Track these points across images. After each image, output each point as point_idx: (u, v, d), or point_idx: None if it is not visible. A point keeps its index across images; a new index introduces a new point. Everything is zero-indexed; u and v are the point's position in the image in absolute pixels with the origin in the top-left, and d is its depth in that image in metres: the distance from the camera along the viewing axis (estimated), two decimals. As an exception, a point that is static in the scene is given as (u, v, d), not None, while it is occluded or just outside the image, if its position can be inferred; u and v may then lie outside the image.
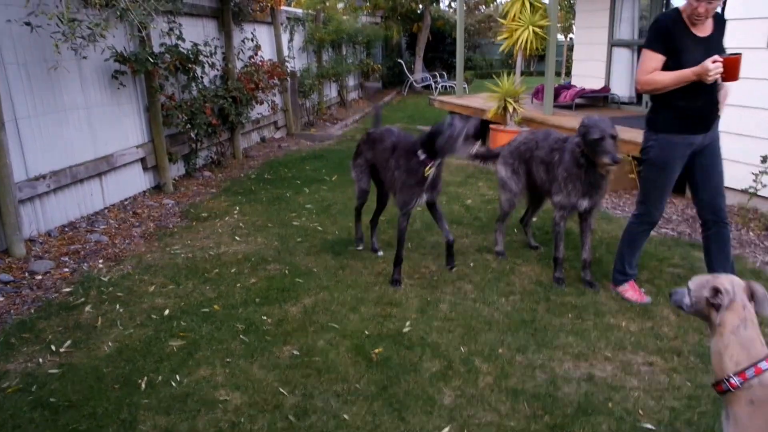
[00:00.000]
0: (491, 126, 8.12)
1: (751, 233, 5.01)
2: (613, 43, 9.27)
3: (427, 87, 17.41)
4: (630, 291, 3.86)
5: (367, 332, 3.45)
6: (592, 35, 9.56)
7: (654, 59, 3.40)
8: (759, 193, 5.20)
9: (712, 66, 3.13)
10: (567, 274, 4.19)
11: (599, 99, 9.24)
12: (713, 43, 3.38)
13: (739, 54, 3.16)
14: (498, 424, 2.63)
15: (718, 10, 3.45)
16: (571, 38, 21.64)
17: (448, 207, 5.89)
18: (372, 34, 15.68)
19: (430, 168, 3.92)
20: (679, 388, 2.87)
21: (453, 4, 21.29)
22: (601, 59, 9.41)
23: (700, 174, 3.64)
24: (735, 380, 1.78)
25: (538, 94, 9.44)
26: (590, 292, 3.93)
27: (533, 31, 7.90)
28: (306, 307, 3.76)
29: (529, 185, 4.46)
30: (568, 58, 19.45)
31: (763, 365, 1.76)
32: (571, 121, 7.72)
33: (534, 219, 4.99)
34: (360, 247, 4.74)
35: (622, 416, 2.67)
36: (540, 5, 8.25)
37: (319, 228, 5.31)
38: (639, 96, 9.01)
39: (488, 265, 4.42)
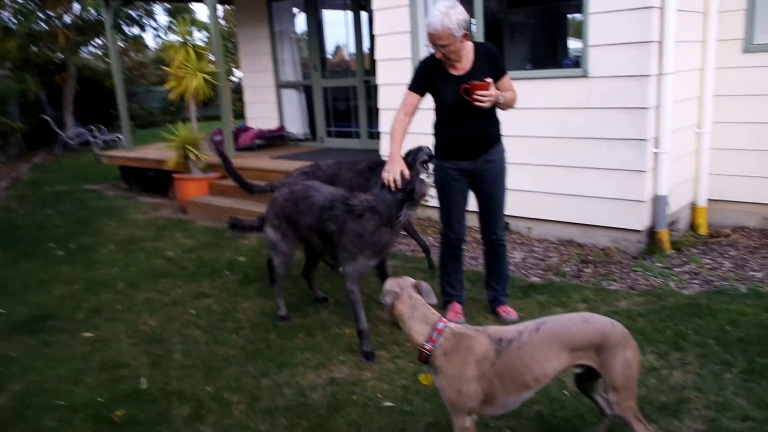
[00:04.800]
0: (175, 176, 8.36)
1: (430, 237, 6.12)
2: (280, 85, 10.27)
3: (86, 143, 16.63)
4: (450, 312, 4.20)
5: (101, 399, 3.50)
6: (259, 79, 10.45)
7: (411, 97, 3.92)
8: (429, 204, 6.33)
9: (385, 176, 3.69)
10: (289, 300, 4.70)
11: (277, 138, 10.13)
12: (471, 78, 3.76)
13: (485, 82, 3.70)
14: (262, 441, 3.01)
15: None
16: (231, 81, 22.73)
17: (149, 262, 5.99)
18: (5, 89, 14.49)
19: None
20: (403, 369, 3.61)
21: (99, 52, 20.68)
22: (272, 101, 10.34)
23: (479, 197, 4.11)
24: (428, 345, 2.48)
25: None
26: (313, 312, 4.50)
27: (202, 78, 8.38)
28: (17, 394, 3.65)
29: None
30: (233, 100, 20.42)
31: (440, 326, 2.50)
32: (257, 162, 8.40)
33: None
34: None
35: (366, 403, 3.28)
36: (203, 51, 8.79)
37: (1, 310, 5.00)
38: (313, 133, 10.16)
39: (210, 308, 4.71)
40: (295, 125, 10.34)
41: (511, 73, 4.03)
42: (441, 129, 4.05)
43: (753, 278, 4.78)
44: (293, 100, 10.36)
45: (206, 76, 8.38)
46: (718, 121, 5.93)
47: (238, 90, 19.60)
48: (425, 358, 2.50)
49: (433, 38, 3.67)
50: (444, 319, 2.52)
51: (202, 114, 23.05)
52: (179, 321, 4.54)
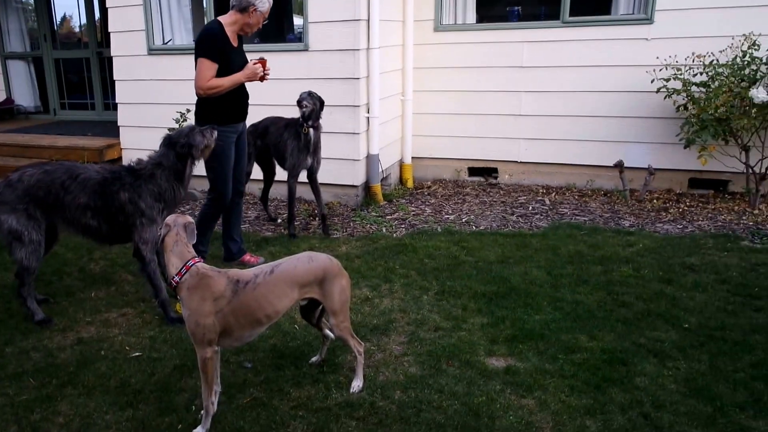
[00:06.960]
0: None
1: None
2: (5, 56, 9.24)
3: None
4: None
5: None
6: (-21, 49, 9.27)
7: (211, 67, 3.99)
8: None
9: (258, 68, 4.07)
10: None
11: (5, 111, 9.13)
12: (242, 53, 4.24)
13: (264, 58, 4.18)
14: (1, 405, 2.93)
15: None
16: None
17: None
18: None
19: None
20: (150, 322, 3.73)
21: None
22: (-3, 72, 9.27)
23: (235, 155, 4.33)
24: (176, 278, 2.66)
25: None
26: (57, 280, 4.35)
27: None
28: None
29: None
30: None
31: (190, 263, 2.67)
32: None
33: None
34: None
35: (114, 356, 3.34)
36: None
37: None
38: (46, 105, 9.34)
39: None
40: (25, 98, 9.44)
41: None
42: (227, 95, 4.12)
43: (447, 220, 5.65)
44: (21, 71, 9.43)
45: None
46: (418, 90, 6.73)
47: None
48: (174, 287, 2.68)
49: (267, 13, 4.10)
50: (197, 259, 2.68)
51: None
52: None
